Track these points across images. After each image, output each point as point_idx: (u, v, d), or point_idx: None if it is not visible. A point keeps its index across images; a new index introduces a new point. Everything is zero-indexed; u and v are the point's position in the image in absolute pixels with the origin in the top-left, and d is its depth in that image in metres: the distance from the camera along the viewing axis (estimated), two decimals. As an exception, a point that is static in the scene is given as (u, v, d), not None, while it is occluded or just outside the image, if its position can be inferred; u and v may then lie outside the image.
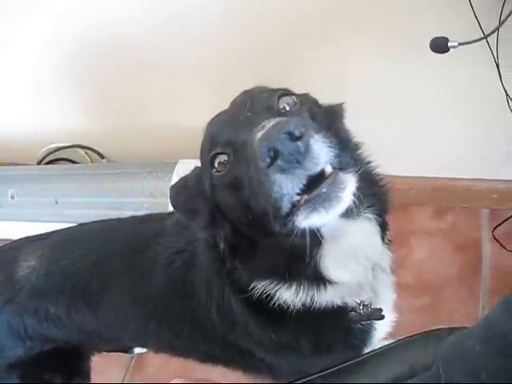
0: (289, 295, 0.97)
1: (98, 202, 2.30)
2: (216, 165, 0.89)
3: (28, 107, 2.67)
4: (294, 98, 0.94)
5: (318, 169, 0.76)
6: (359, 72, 1.98)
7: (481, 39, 1.48)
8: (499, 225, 2.04)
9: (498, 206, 2.17)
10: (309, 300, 0.97)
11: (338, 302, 1.00)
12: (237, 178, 0.86)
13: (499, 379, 0.57)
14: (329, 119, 0.97)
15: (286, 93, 0.95)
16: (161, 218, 1.41)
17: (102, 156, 2.71)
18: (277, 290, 0.98)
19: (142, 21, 2.13)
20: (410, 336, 0.89)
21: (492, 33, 1.48)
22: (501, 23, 1.45)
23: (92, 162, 2.74)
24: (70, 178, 2.45)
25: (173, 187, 1.06)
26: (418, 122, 2.03)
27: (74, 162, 2.77)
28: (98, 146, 2.69)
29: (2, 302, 1.36)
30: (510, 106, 1.73)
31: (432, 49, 1.50)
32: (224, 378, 1.51)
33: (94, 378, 1.61)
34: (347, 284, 0.97)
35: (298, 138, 0.72)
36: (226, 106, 2.38)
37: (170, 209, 1.11)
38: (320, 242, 0.89)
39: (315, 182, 0.77)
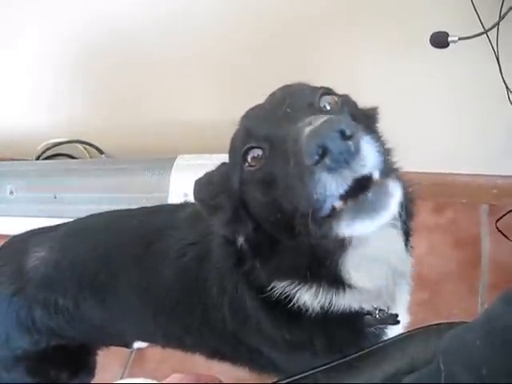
0: (308, 297, 0.96)
1: (97, 197, 2.29)
2: (249, 159, 0.86)
3: (26, 102, 2.68)
4: (335, 97, 0.91)
5: (365, 172, 0.72)
6: (359, 67, 1.98)
7: (481, 34, 1.48)
8: (502, 217, 2.05)
9: (498, 202, 2.18)
10: (327, 303, 0.96)
11: (355, 306, 0.99)
12: (271, 174, 0.82)
13: (500, 374, 0.56)
14: (367, 122, 0.95)
15: (328, 91, 0.92)
16: (172, 209, 1.39)
17: (101, 151, 2.71)
18: (297, 291, 0.96)
19: (141, 16, 2.13)
20: (411, 330, 0.89)
21: (492, 27, 1.48)
22: (501, 18, 1.45)
23: (91, 157, 2.74)
24: (69, 173, 2.45)
25: (197, 181, 1.02)
26: (418, 117, 2.04)
27: (72, 158, 2.77)
28: (97, 141, 2.69)
29: (11, 293, 1.36)
30: (510, 101, 1.73)
31: (432, 44, 1.50)
32: (225, 374, 1.51)
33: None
34: (366, 290, 0.96)
35: (349, 138, 0.69)
36: (225, 100, 2.39)
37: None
38: (345, 246, 0.86)
39: (360, 186, 0.73)
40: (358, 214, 0.74)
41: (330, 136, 0.68)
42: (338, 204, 0.73)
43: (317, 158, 0.69)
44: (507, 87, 1.69)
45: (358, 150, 0.70)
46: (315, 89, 0.92)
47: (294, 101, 0.87)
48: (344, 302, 0.96)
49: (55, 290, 1.35)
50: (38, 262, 1.37)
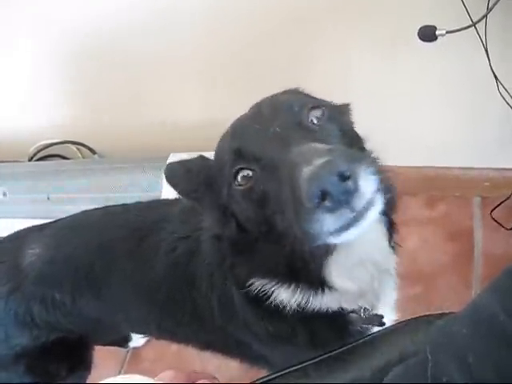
0: (285, 296, 0.97)
1: (90, 197, 2.29)
2: (239, 179, 0.87)
3: (19, 104, 2.67)
4: (323, 110, 0.91)
5: (362, 205, 0.73)
6: (347, 61, 1.98)
7: (469, 27, 1.48)
8: (496, 207, 2.06)
9: (490, 194, 2.18)
10: (304, 302, 0.97)
11: (333, 307, 1.00)
12: (262, 196, 0.84)
13: (486, 362, 0.57)
14: (355, 138, 0.96)
15: (316, 105, 0.92)
16: (166, 203, 1.40)
17: (93, 151, 2.71)
18: (274, 290, 0.98)
19: (132, 16, 2.13)
20: (400, 323, 0.89)
21: (480, 20, 1.48)
22: (489, 10, 1.45)
23: (84, 157, 2.74)
24: (62, 174, 2.44)
25: (170, 164, 1.02)
26: (408, 111, 2.04)
27: (65, 158, 2.76)
28: (89, 141, 2.69)
29: (9, 291, 1.36)
30: (500, 93, 1.73)
31: (420, 37, 1.50)
32: (219, 373, 1.51)
33: (89, 372, 1.61)
34: (348, 291, 0.97)
35: (348, 178, 0.70)
36: (216, 100, 2.38)
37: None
38: (329, 249, 0.88)
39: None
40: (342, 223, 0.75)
41: (330, 180, 0.68)
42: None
43: (317, 201, 0.70)
44: (497, 79, 1.69)
45: (357, 188, 0.71)
46: (303, 103, 0.91)
47: (282, 119, 0.87)
48: (322, 302, 0.98)
49: (52, 285, 1.36)
50: (33, 259, 1.38)
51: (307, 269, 0.92)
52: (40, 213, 2.36)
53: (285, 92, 1.01)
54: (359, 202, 0.72)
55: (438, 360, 0.60)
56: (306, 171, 0.71)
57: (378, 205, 0.76)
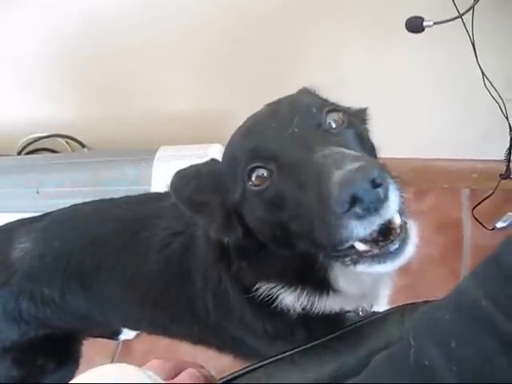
0: (291, 299, 0.97)
1: (79, 191, 2.28)
2: (253, 178, 0.84)
3: (6, 98, 2.65)
4: (341, 115, 0.89)
5: (390, 216, 0.73)
6: (335, 52, 1.99)
7: (456, 18, 1.49)
8: (478, 204, 2.07)
9: (478, 186, 2.20)
10: (309, 305, 0.97)
11: (336, 308, 1.00)
12: (279, 197, 0.82)
13: (469, 346, 0.57)
14: (372, 146, 0.96)
15: (334, 108, 0.90)
16: (157, 198, 1.39)
17: (82, 145, 2.70)
18: (280, 293, 0.97)
19: (122, 6, 2.11)
20: (386, 310, 0.90)
21: (467, 11, 1.49)
22: (475, 1, 1.46)
23: (73, 151, 2.73)
24: (51, 167, 2.43)
25: (179, 173, 0.98)
26: (395, 103, 2.04)
27: (54, 152, 2.75)
28: (78, 134, 2.68)
29: None
30: (485, 85, 1.74)
31: (407, 29, 1.50)
32: (209, 361, 1.52)
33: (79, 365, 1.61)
34: (351, 294, 0.97)
35: (379, 185, 0.69)
36: (206, 93, 2.36)
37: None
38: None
39: (381, 227, 0.74)
40: (380, 259, 0.77)
41: (363, 186, 0.68)
42: (360, 246, 0.76)
43: (347, 206, 0.69)
44: (482, 72, 1.70)
45: (386, 198, 0.71)
46: (321, 105, 0.90)
47: (301, 120, 0.85)
48: (327, 304, 0.98)
49: (41, 280, 1.36)
50: (22, 253, 1.37)
51: (314, 273, 0.92)
52: (29, 207, 2.35)
53: (300, 92, 1.00)
54: (387, 212, 0.72)
55: (421, 345, 0.60)
56: (338, 174, 0.69)
57: (414, 239, 0.79)
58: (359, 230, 0.71)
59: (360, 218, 0.70)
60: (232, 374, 0.84)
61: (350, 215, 0.70)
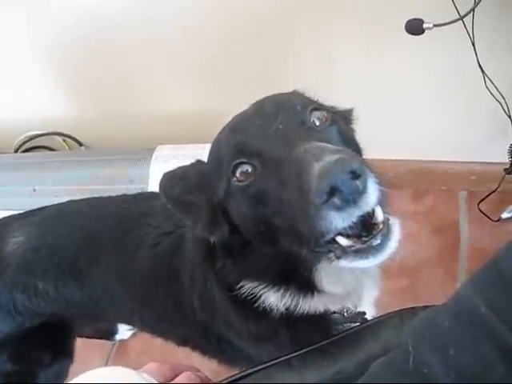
0: (274, 299, 0.97)
1: (76, 189, 2.28)
2: (238, 174, 0.85)
3: (4, 96, 2.64)
4: (325, 113, 0.90)
5: (369, 209, 0.74)
6: (334, 54, 1.98)
7: (456, 20, 1.49)
8: (483, 199, 2.08)
9: (476, 188, 2.19)
10: (293, 305, 0.97)
11: (321, 309, 1.00)
12: (262, 193, 0.83)
13: (468, 354, 0.57)
14: (355, 142, 0.96)
15: (318, 107, 0.91)
16: (152, 197, 1.40)
17: (79, 143, 2.69)
18: (263, 293, 0.97)
19: (120, 5, 2.11)
20: (385, 315, 0.90)
21: (467, 13, 1.49)
22: (476, 4, 1.46)
23: (70, 149, 2.72)
24: (48, 165, 2.42)
25: (167, 174, 0.99)
26: (395, 105, 2.04)
27: (51, 150, 2.75)
28: (75, 133, 2.67)
29: None
30: (487, 87, 1.74)
31: (407, 31, 1.50)
32: (203, 363, 1.51)
33: (75, 365, 1.61)
34: (335, 294, 0.98)
35: (358, 177, 0.70)
36: (203, 92, 2.36)
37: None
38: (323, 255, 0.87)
39: (361, 220, 0.75)
40: (364, 255, 0.77)
41: (342, 177, 0.68)
42: (343, 241, 0.76)
43: (325, 197, 0.69)
44: (484, 73, 1.70)
45: (365, 189, 0.72)
46: (305, 103, 0.91)
47: (285, 117, 0.86)
48: (311, 304, 0.98)
49: (35, 274, 1.36)
50: (16, 247, 1.37)
51: (298, 273, 0.92)
52: (26, 205, 2.33)
53: (287, 92, 1.00)
54: (365, 204, 0.72)
55: (420, 352, 0.60)
56: (317, 166, 0.70)
57: (396, 234, 0.78)
58: (338, 221, 0.72)
59: (339, 209, 0.71)
60: (227, 378, 0.84)
61: (329, 206, 0.70)
